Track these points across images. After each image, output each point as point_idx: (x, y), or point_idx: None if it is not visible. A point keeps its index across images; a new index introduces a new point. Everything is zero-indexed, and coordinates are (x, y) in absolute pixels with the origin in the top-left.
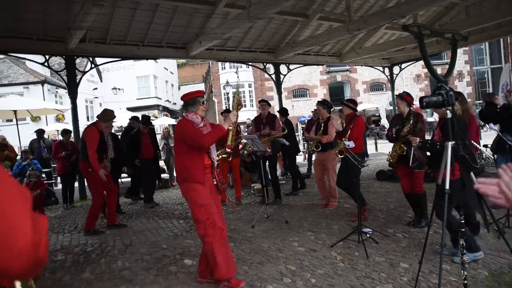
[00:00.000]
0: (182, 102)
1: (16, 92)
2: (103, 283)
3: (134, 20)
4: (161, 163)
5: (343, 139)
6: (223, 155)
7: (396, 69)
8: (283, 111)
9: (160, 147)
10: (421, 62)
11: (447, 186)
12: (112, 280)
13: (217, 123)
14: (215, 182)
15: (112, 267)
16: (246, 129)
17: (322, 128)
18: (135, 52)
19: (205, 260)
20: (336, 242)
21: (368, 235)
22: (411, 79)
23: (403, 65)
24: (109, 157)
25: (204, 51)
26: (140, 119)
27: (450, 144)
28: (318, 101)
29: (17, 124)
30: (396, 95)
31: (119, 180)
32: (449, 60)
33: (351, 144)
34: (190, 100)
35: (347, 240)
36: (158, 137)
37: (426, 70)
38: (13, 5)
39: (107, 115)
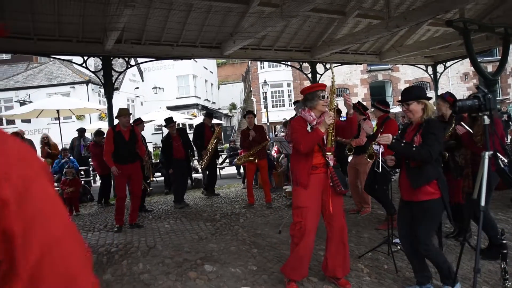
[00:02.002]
0: (302, 96)
1: (64, 92)
2: (121, 286)
3: (169, 21)
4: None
5: (373, 143)
6: (249, 158)
7: (440, 68)
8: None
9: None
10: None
11: (483, 203)
12: (131, 283)
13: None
14: (331, 184)
15: (133, 269)
16: (283, 130)
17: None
18: (169, 52)
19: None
20: (364, 253)
21: (399, 247)
22: (458, 77)
23: (448, 63)
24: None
25: (238, 51)
26: (164, 121)
27: (487, 154)
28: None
29: (59, 123)
30: (438, 95)
31: (154, 179)
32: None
33: (380, 149)
34: (309, 94)
35: (376, 251)
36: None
37: None
38: (54, 9)
39: (119, 113)
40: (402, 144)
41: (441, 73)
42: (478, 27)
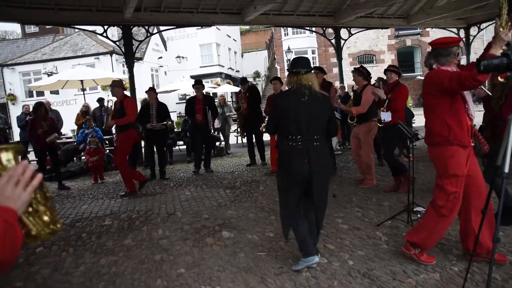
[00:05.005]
0: (430, 49)
1: (88, 63)
2: (141, 250)
3: None
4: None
5: (381, 109)
6: None
7: (474, 30)
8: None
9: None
10: None
11: (506, 169)
12: (150, 249)
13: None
14: (472, 144)
15: (152, 235)
16: None
17: (354, 99)
18: (189, 19)
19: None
20: (383, 221)
21: (419, 216)
22: None
23: (483, 25)
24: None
25: (259, 16)
26: (194, 82)
27: None
28: (354, 68)
29: (83, 93)
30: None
31: (177, 147)
32: None
33: (387, 117)
34: (444, 50)
35: (396, 220)
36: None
37: None
38: None
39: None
40: None
41: (474, 36)
42: None
